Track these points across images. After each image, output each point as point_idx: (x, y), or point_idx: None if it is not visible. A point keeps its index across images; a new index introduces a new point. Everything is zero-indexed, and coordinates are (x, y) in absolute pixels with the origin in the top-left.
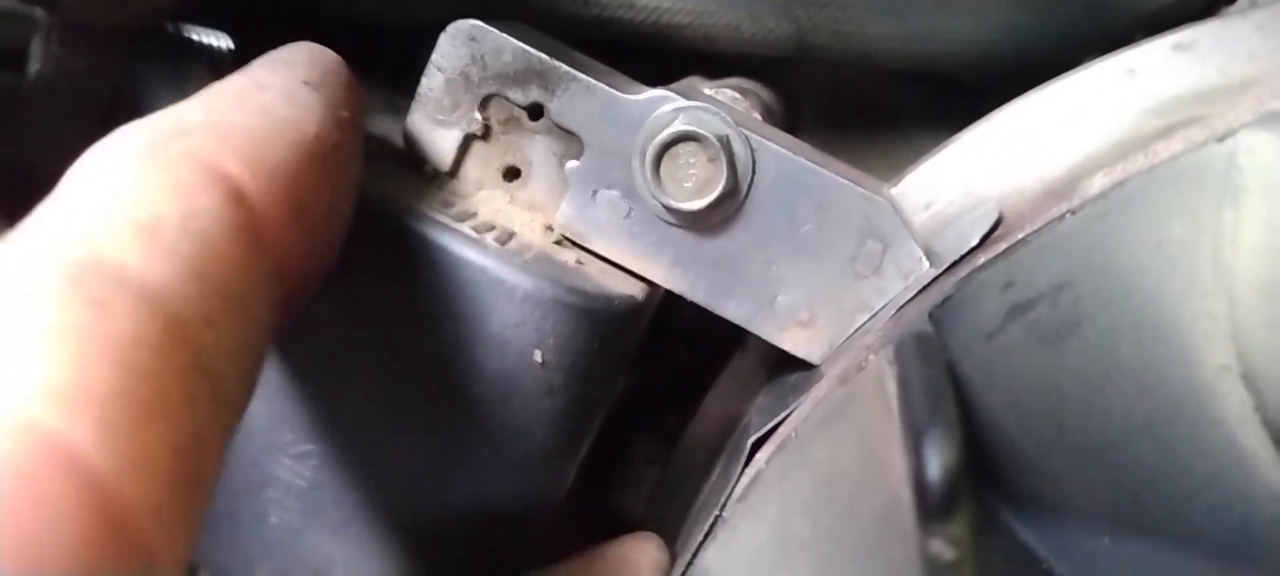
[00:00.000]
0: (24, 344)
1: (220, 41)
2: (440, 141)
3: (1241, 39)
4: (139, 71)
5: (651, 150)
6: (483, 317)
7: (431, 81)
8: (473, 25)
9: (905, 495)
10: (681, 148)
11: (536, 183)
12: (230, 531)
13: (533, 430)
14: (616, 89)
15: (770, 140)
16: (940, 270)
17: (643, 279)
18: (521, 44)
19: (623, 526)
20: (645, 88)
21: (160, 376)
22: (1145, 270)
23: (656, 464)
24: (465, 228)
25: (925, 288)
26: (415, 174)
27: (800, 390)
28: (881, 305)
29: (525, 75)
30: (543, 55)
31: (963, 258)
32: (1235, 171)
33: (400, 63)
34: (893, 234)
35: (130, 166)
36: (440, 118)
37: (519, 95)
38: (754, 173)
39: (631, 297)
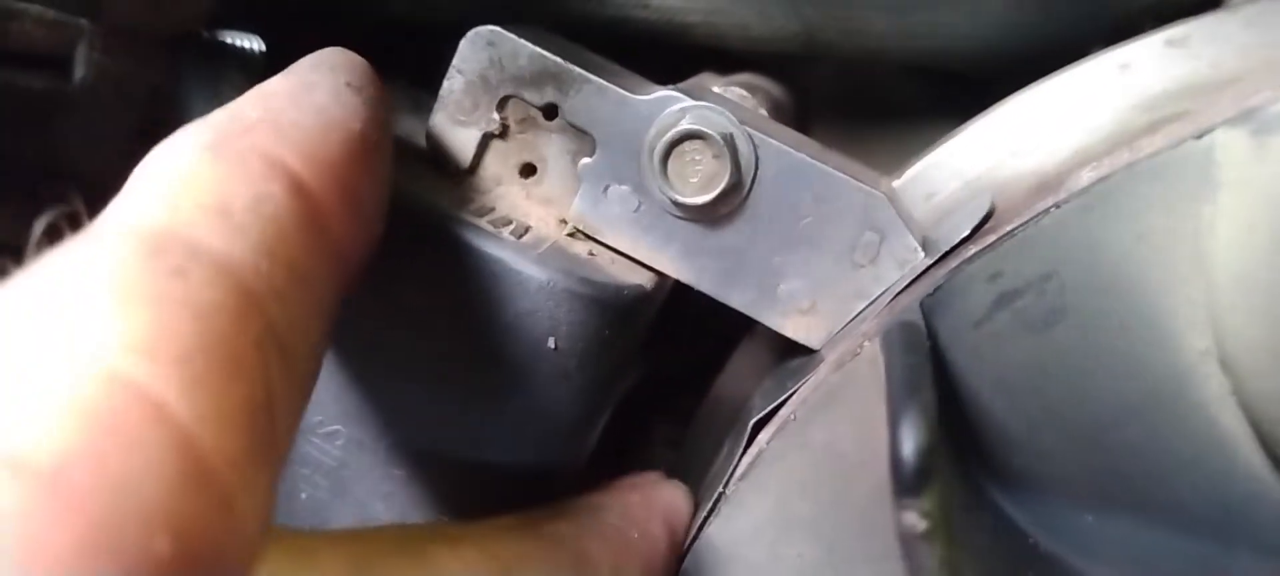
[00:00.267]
0: (107, 304)
1: (252, 44)
2: (461, 141)
3: (1232, 35)
4: (177, 76)
5: (659, 147)
6: (501, 306)
7: (452, 84)
8: (491, 31)
9: None
10: (688, 145)
11: (551, 179)
12: None
13: (549, 411)
14: (626, 89)
15: (772, 137)
16: (933, 260)
17: (652, 269)
18: (537, 48)
19: None
20: (654, 87)
21: (236, 340)
22: (1128, 260)
23: (673, 445)
24: (484, 222)
25: (919, 277)
26: (437, 172)
27: (800, 374)
28: (878, 293)
29: (540, 77)
30: (557, 58)
31: (954, 248)
32: (1213, 167)
33: (425, 63)
34: (889, 225)
35: (199, 159)
36: (461, 118)
37: (534, 96)
38: (757, 168)
39: (640, 287)
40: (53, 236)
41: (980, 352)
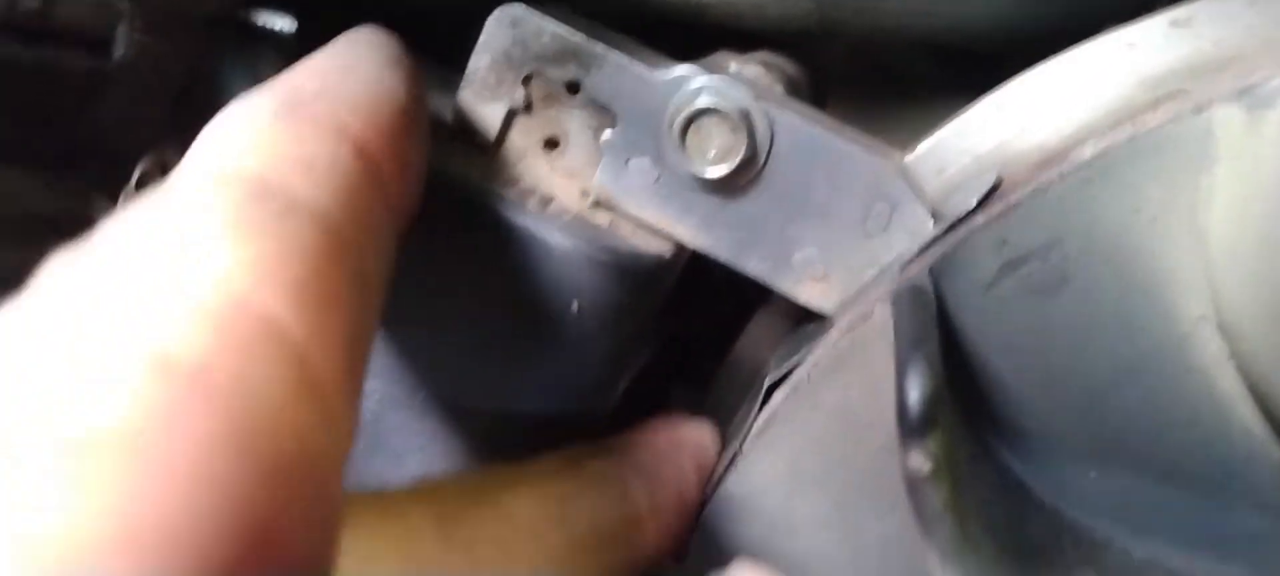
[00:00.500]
0: (227, 236)
1: (285, 25)
2: (486, 116)
3: (1236, 15)
4: (214, 56)
5: (678, 122)
6: (526, 272)
7: (478, 61)
8: (515, 10)
9: None
10: (705, 119)
11: (574, 152)
12: None
13: (572, 370)
14: (646, 66)
15: (787, 111)
16: (942, 230)
17: (670, 239)
18: (559, 26)
19: None
20: (674, 64)
21: (335, 273)
22: (1128, 230)
23: (693, 409)
24: (510, 193)
25: (928, 245)
26: (464, 145)
27: (813, 338)
28: (889, 261)
29: (563, 55)
30: (579, 36)
31: (962, 218)
32: (1210, 141)
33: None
34: (900, 195)
35: (271, 123)
36: (486, 94)
37: (558, 73)
38: (772, 141)
39: (659, 255)
40: (145, 182)
41: (987, 316)
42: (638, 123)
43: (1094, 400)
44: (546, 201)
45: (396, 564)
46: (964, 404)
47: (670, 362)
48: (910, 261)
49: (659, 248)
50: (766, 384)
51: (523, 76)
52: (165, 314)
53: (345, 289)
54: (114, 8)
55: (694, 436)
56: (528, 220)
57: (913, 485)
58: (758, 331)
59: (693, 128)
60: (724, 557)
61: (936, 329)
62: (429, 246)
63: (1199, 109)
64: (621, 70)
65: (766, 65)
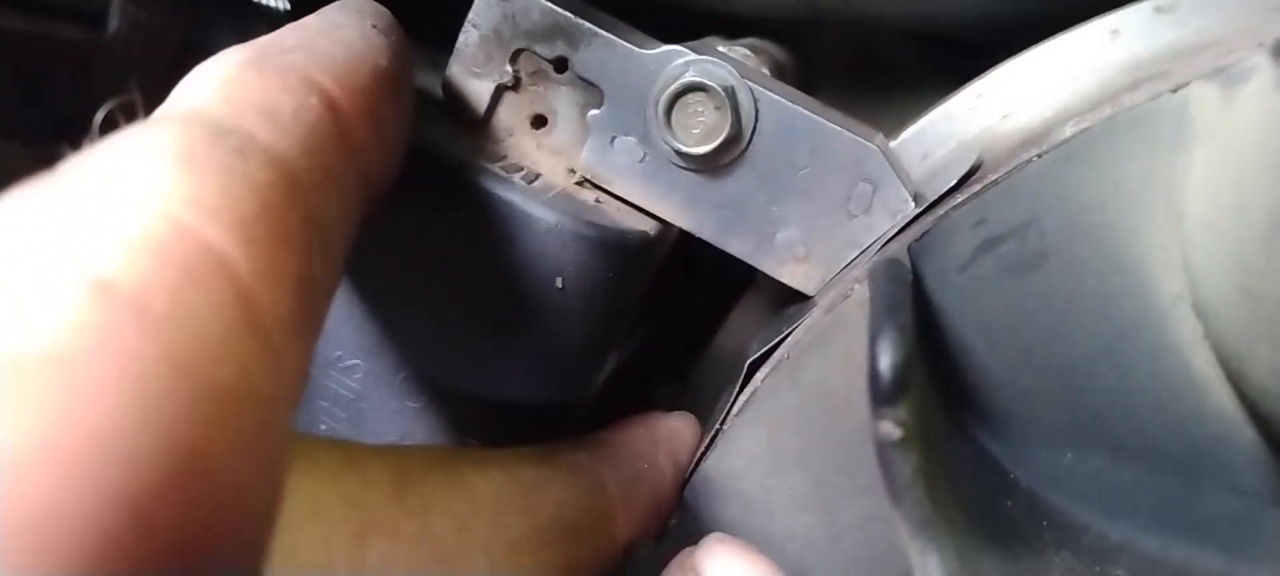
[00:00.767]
0: (177, 169)
1: (278, 1)
2: (475, 92)
3: (1219, 3)
4: (206, 30)
5: (664, 99)
6: (512, 247)
7: (467, 38)
8: None
9: None
10: (691, 97)
11: (561, 129)
12: None
13: (556, 348)
14: (634, 44)
15: (772, 91)
16: (922, 208)
17: (656, 217)
18: (548, 2)
19: None
20: (660, 43)
21: (288, 216)
22: (1105, 208)
23: (675, 404)
24: (496, 168)
25: (908, 225)
26: (453, 121)
27: (794, 318)
28: (871, 241)
29: (551, 31)
30: (567, 13)
31: (941, 198)
32: (1187, 120)
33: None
34: (882, 176)
35: (246, 69)
36: (475, 70)
37: (546, 49)
38: (757, 120)
39: (644, 233)
40: (109, 126)
41: (965, 295)
42: (624, 100)
43: (1070, 379)
44: (533, 177)
45: (345, 512)
46: (941, 385)
47: (651, 359)
48: (889, 239)
49: (644, 226)
50: (748, 362)
51: (511, 53)
52: (107, 240)
53: (298, 233)
54: None
55: (672, 430)
56: (514, 194)
57: (882, 452)
58: (739, 323)
59: (678, 105)
60: (702, 537)
61: (911, 299)
62: (415, 220)
63: (1176, 88)
64: (609, 47)
65: (755, 49)
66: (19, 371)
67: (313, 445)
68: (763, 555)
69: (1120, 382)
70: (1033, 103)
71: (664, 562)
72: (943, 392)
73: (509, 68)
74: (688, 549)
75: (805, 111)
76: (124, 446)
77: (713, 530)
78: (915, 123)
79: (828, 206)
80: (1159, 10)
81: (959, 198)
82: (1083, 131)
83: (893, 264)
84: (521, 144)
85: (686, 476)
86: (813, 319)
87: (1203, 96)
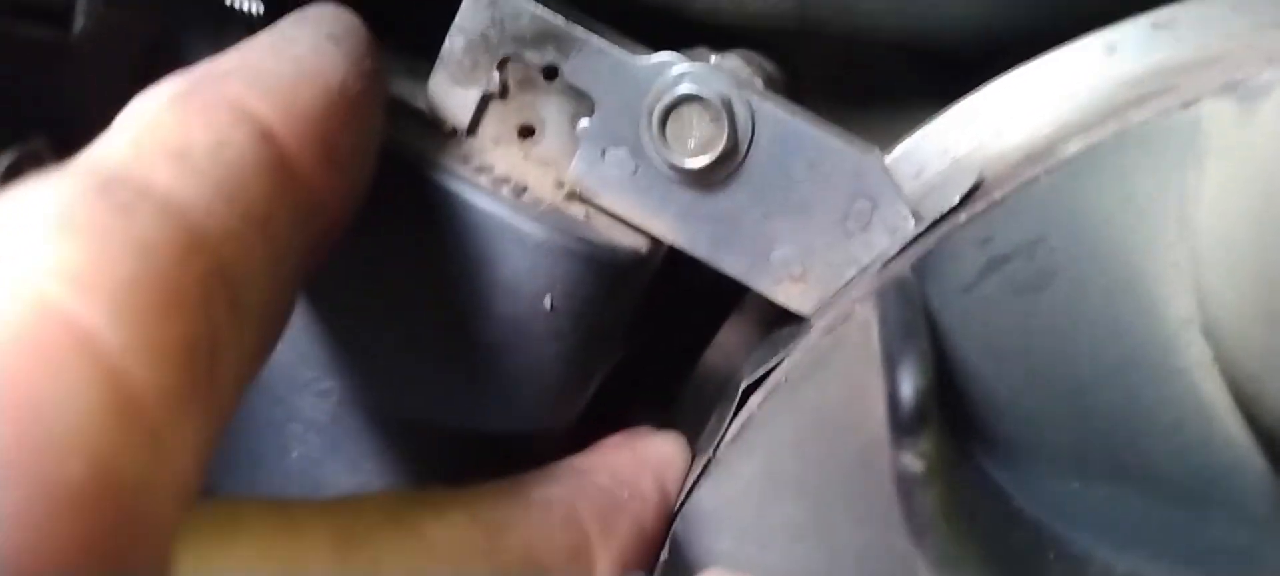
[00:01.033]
0: (43, 234)
1: (253, 5)
2: (460, 101)
3: (1218, 19)
4: (177, 32)
5: (658, 110)
6: (497, 264)
7: (453, 43)
8: None
9: (883, 436)
10: (686, 108)
11: (549, 140)
12: (253, 466)
13: (542, 370)
14: (626, 52)
15: (769, 102)
16: (923, 228)
17: (647, 234)
18: (538, 8)
19: None
20: (654, 52)
21: (177, 275)
22: (1114, 225)
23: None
24: (482, 180)
25: (909, 244)
26: (436, 131)
27: (790, 340)
28: (869, 260)
29: (541, 38)
30: (559, 19)
31: (944, 216)
32: (1200, 136)
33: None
34: (881, 193)
35: (167, 105)
36: (461, 78)
37: (535, 56)
38: (753, 133)
39: (636, 250)
40: (12, 175)
41: (969, 317)
42: (616, 110)
43: (1075, 404)
44: (520, 191)
45: None
46: (945, 410)
47: (630, 381)
48: (892, 260)
49: (636, 242)
50: (742, 387)
51: (498, 60)
52: None
53: (193, 293)
54: None
55: (659, 452)
56: (501, 209)
57: (905, 487)
58: (727, 342)
59: (673, 116)
60: (694, 572)
61: (925, 323)
62: (395, 237)
63: (1187, 103)
64: (601, 55)
65: (745, 60)
66: None
67: (244, 507)
68: None
69: (1125, 406)
70: (1030, 119)
71: None
72: (947, 419)
73: (496, 75)
74: None
75: (804, 124)
76: None
77: (706, 563)
78: (907, 139)
79: (826, 224)
80: (1157, 26)
81: (962, 216)
82: (1090, 147)
83: (903, 285)
84: (508, 155)
85: (677, 508)
86: (811, 341)
87: (1217, 112)
